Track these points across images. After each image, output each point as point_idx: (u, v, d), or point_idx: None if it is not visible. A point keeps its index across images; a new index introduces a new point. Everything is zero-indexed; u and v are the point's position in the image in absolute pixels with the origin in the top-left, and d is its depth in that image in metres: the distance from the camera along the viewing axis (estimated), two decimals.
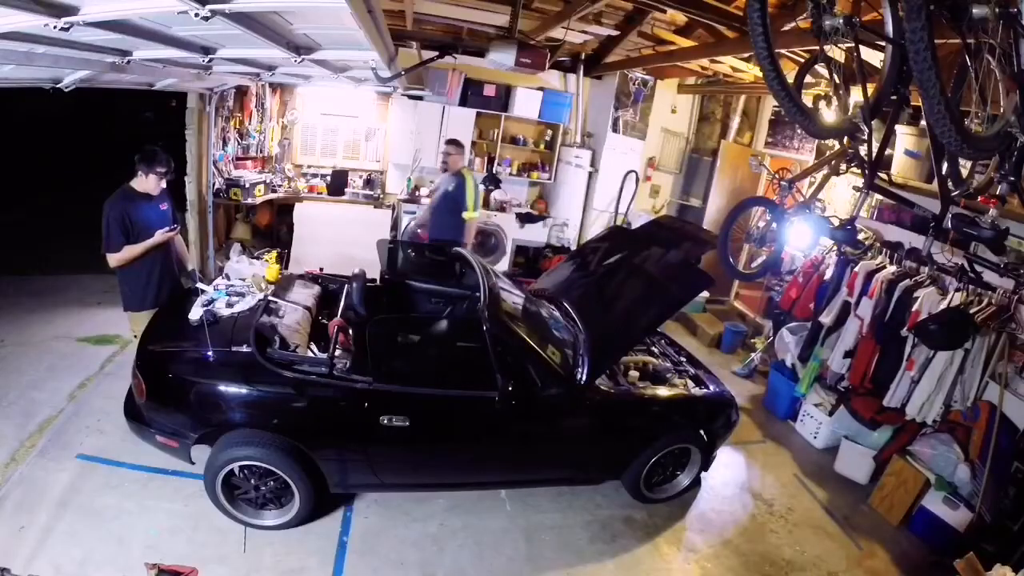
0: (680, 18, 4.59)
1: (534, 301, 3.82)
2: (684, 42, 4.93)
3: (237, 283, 3.47)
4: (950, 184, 2.62)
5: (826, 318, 4.46)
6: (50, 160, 10.51)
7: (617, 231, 5.61)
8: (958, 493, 3.63)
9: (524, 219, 7.07)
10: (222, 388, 2.78)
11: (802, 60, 3.89)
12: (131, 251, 3.25)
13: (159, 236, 3.30)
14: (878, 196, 3.75)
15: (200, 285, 3.31)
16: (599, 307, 3.85)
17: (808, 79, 3.51)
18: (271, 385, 2.77)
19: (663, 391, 3.54)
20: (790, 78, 2.25)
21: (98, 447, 3.35)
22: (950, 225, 2.57)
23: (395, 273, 4.25)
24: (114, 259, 3.25)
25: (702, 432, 3.55)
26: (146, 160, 3.31)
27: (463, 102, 6.65)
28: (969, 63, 1.79)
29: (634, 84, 6.75)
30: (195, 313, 3.03)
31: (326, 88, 6.28)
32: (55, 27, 1.72)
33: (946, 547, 3.44)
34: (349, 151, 6.90)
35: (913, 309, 3.80)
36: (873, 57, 2.57)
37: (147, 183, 3.33)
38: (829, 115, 2.59)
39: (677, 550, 3.35)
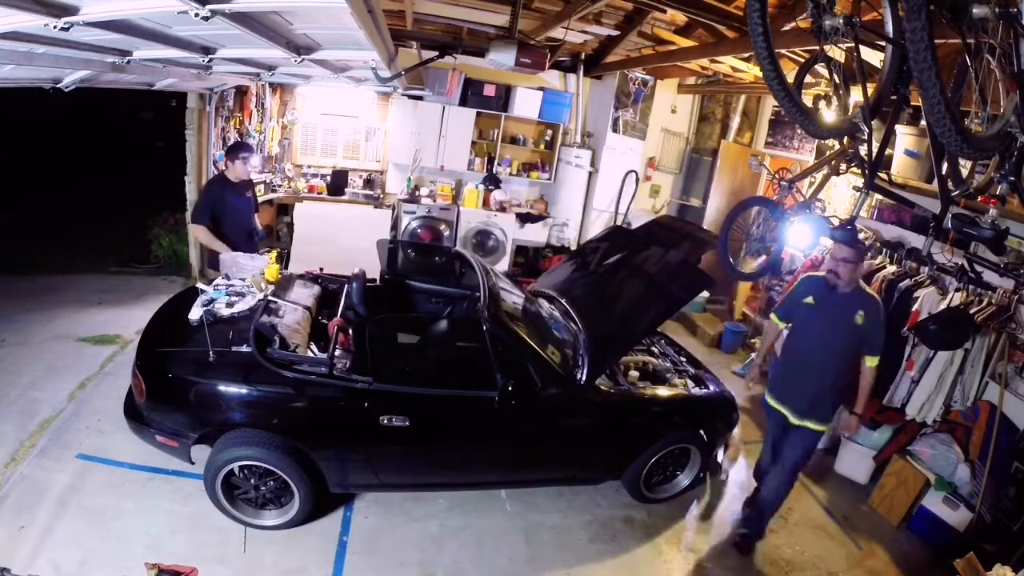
0: (680, 18, 4.59)
1: (534, 301, 3.82)
2: (684, 42, 4.93)
3: (237, 283, 3.47)
4: (950, 184, 2.61)
5: None
6: (51, 159, 10.52)
7: (617, 231, 5.61)
8: (958, 493, 3.63)
9: (524, 219, 7.07)
10: (222, 388, 2.78)
11: (802, 60, 3.88)
12: (207, 238, 4.00)
13: (226, 255, 3.83)
14: (878, 196, 3.75)
15: (200, 285, 3.31)
16: (599, 307, 3.85)
17: (808, 79, 3.50)
18: (271, 385, 2.77)
19: (663, 391, 3.54)
20: (790, 78, 2.25)
21: (98, 447, 3.35)
22: (950, 225, 2.56)
23: (395, 273, 4.25)
24: (196, 230, 4.16)
25: (702, 432, 3.55)
26: (229, 151, 4.20)
27: (463, 102, 6.66)
28: (969, 63, 1.79)
29: (634, 84, 6.74)
30: (195, 313, 3.03)
31: (326, 88, 6.28)
32: (55, 27, 1.72)
33: (946, 547, 3.44)
34: (349, 151, 6.91)
35: (913, 309, 3.81)
36: (873, 57, 2.57)
37: (235, 170, 4.07)
38: (829, 115, 2.59)
39: (677, 550, 3.35)
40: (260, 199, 5.97)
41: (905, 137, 4.14)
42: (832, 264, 3.04)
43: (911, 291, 3.91)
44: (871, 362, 3.07)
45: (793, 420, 3.19)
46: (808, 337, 3.19)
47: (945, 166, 2.54)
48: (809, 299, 3.16)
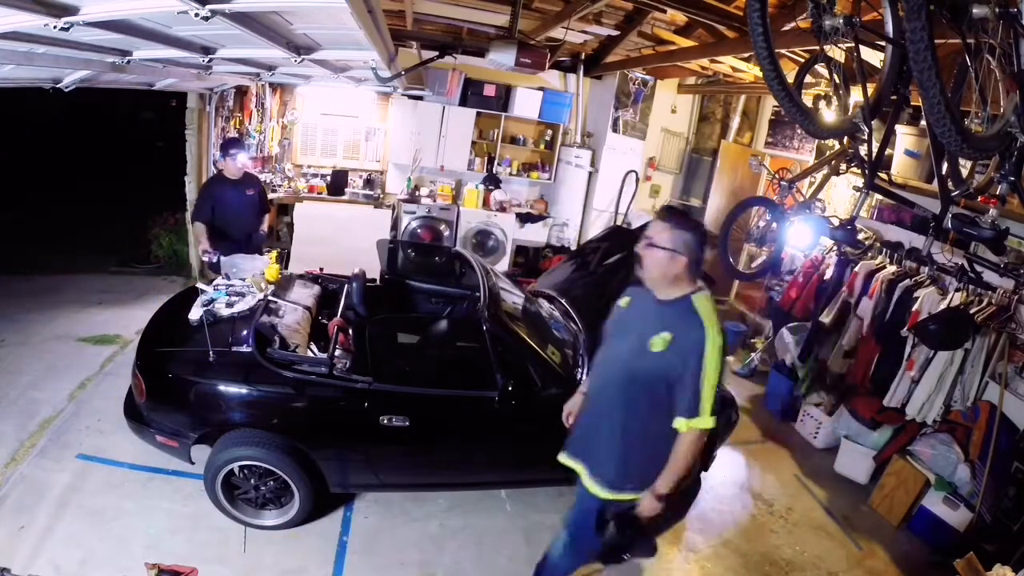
0: (680, 18, 4.59)
1: (534, 301, 3.82)
2: (684, 42, 4.93)
3: (237, 283, 3.47)
4: (950, 184, 2.62)
5: (826, 318, 4.46)
6: (51, 159, 10.52)
7: (617, 231, 5.60)
8: (958, 493, 3.63)
9: (524, 219, 7.06)
10: (222, 388, 2.78)
11: (802, 60, 3.89)
12: (197, 230, 4.09)
13: (204, 256, 4.02)
14: (878, 196, 3.75)
15: (200, 285, 3.31)
16: (599, 307, 3.84)
17: (808, 79, 3.51)
18: (271, 385, 2.77)
19: None
20: (790, 78, 2.25)
21: (98, 447, 3.35)
22: (950, 225, 2.57)
23: (395, 273, 4.25)
24: (195, 228, 4.19)
25: None
26: (220, 148, 4.32)
27: (463, 102, 6.65)
28: (969, 63, 1.79)
29: (634, 84, 6.74)
30: (195, 313, 3.03)
31: (326, 88, 6.27)
32: (55, 27, 1.72)
33: (946, 547, 3.44)
34: (349, 151, 6.90)
35: (913, 309, 3.81)
36: (873, 57, 2.57)
37: (227, 167, 4.11)
38: (829, 115, 2.60)
39: (677, 550, 3.35)
40: None
41: (905, 137, 4.14)
42: (640, 247, 2.06)
43: (911, 291, 3.91)
44: (682, 425, 1.89)
45: (563, 456, 2.28)
46: (602, 353, 2.24)
47: (945, 166, 2.54)
48: (624, 299, 2.22)
